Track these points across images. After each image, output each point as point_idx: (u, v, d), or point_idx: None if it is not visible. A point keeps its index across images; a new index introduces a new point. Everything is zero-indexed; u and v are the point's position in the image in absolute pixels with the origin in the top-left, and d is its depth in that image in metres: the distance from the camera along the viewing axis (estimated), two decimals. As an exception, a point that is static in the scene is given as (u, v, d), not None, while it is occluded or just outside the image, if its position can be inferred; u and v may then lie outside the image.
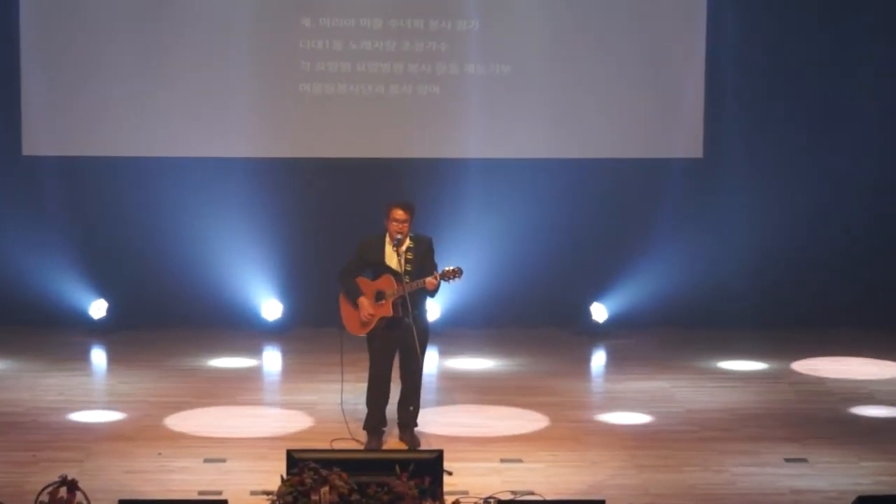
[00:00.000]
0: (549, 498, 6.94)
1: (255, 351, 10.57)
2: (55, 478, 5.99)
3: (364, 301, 7.85)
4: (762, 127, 11.08)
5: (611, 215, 11.11)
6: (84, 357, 10.36)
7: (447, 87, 10.94)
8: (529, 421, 8.63)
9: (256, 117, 10.84)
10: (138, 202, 10.97)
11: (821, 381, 9.64)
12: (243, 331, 10.94)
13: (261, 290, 11.05)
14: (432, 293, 7.89)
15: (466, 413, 8.83)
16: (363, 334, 7.99)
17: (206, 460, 7.80)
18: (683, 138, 10.99)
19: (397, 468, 6.16)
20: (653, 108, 10.95)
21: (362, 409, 8.14)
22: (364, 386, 8.12)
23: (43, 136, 10.72)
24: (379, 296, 7.86)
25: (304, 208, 11.05)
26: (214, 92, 10.81)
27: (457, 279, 7.90)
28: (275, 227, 11.01)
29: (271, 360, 10.52)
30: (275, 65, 10.87)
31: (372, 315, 7.73)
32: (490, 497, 6.87)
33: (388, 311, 7.84)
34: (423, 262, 7.91)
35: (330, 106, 10.90)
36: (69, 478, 5.98)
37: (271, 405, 9.20)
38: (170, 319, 10.98)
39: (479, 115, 10.92)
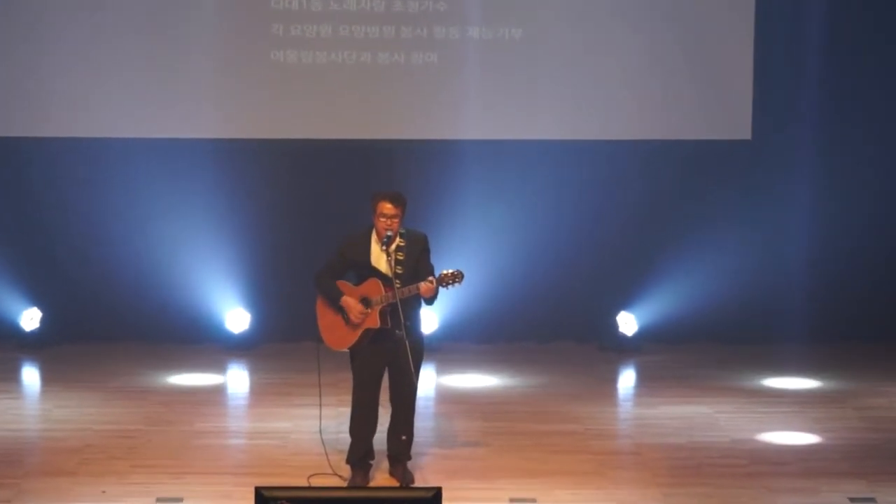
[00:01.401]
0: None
1: (218, 369, 10.55)
2: (-22, 521, 5.98)
3: (350, 301, 7.83)
4: (820, 106, 11.06)
5: (641, 207, 11.08)
6: (13, 377, 10.28)
7: (446, 56, 10.90)
8: (545, 452, 8.60)
9: (218, 91, 10.79)
10: (77, 191, 10.92)
11: (891, 405, 9.64)
12: (203, 345, 10.93)
13: (224, 298, 11.05)
14: (428, 301, 7.84)
15: (469, 443, 8.79)
16: (345, 349, 7.96)
17: (159, 500, 7.72)
18: (727, 117, 10.97)
19: (387, 509, 6.14)
20: (692, 81, 10.90)
21: (345, 438, 8.11)
22: (347, 411, 8.09)
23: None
24: (364, 303, 7.82)
25: (275, 200, 11.03)
26: (168, 60, 10.75)
27: (457, 284, 7.85)
28: (241, 223, 10.99)
29: (237, 379, 10.49)
30: (241, 28, 10.80)
31: (362, 315, 7.72)
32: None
33: (374, 321, 7.80)
34: (416, 264, 7.88)
35: (306, 78, 10.86)
36: (-5, 521, 5.94)
37: (237, 433, 9.17)
38: (116, 332, 10.97)
39: (484, 89, 10.88)
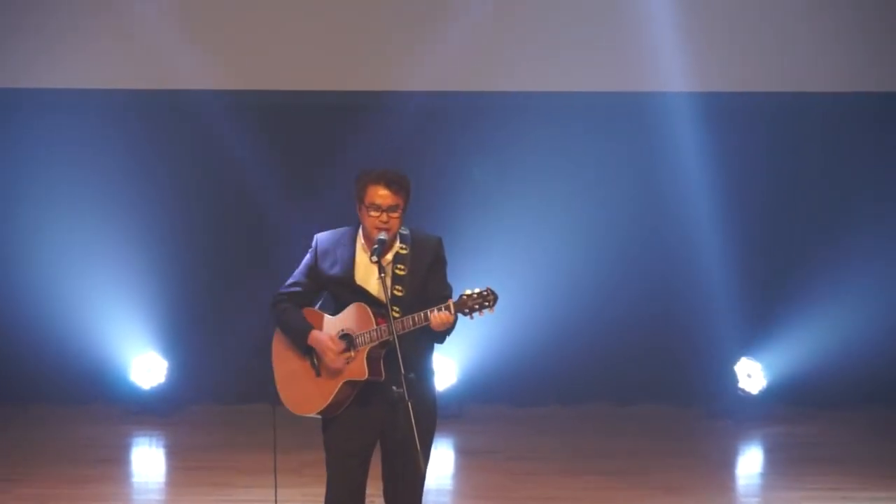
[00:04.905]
0: None
1: (119, 443, 10.61)
2: None
3: (323, 338, 7.72)
4: None
5: (771, 196, 11.18)
6: None
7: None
8: (625, 575, 8.56)
9: (109, 23, 10.90)
10: None
11: None
12: (96, 406, 11.09)
13: (130, 338, 11.17)
14: (441, 337, 7.73)
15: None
16: (315, 413, 7.83)
17: None
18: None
19: None
20: (855, 20, 11.08)
21: (314, 553, 8.03)
22: (318, 510, 7.97)
23: None
24: (345, 342, 7.73)
25: (205, 190, 11.14)
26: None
27: (486, 311, 7.70)
28: (154, 229, 11.14)
29: (147, 459, 10.53)
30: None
31: (344, 357, 7.62)
32: None
33: (360, 370, 7.65)
34: (424, 282, 7.77)
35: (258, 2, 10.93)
36: None
37: (146, 545, 9.14)
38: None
39: (520, 24, 10.98)
